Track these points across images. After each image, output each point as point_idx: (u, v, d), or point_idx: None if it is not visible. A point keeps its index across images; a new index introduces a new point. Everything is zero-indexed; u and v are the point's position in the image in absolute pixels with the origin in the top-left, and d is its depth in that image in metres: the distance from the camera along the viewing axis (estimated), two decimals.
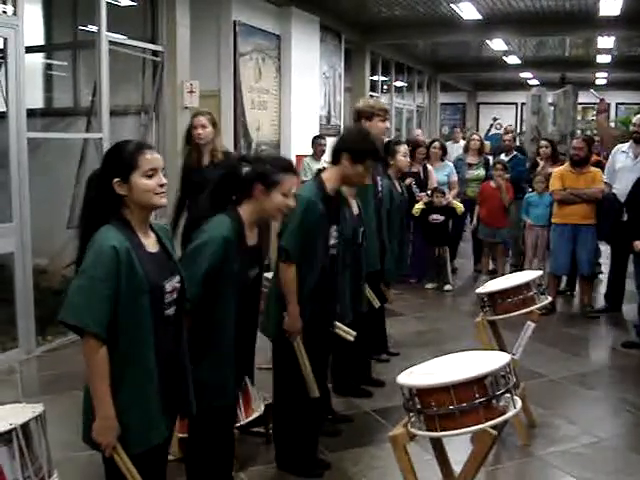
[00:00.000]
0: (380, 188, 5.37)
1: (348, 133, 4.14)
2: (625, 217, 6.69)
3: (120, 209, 2.66)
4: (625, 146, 7.55)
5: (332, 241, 3.91)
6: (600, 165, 7.99)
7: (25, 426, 2.86)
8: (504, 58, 17.16)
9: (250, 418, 4.04)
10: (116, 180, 2.62)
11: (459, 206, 8.68)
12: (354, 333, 4.23)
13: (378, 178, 5.33)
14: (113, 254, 2.52)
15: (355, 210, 4.56)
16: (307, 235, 3.71)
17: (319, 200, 3.79)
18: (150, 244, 2.71)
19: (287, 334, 3.75)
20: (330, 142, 10.07)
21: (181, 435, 3.77)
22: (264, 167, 3.30)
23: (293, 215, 3.61)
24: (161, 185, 2.66)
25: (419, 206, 8.51)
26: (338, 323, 4.14)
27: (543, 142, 9.20)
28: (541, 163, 8.86)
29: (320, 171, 4.09)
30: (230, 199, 3.30)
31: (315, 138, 9.77)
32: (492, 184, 8.80)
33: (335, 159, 4.00)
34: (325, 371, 4.37)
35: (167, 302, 2.70)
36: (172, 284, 2.72)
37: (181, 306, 2.79)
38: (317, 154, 9.61)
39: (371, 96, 14.31)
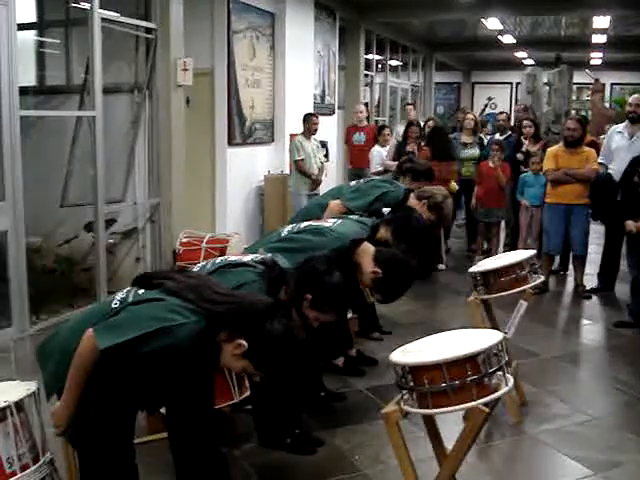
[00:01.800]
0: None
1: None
2: (619, 197, 6.70)
3: None
4: (621, 126, 7.55)
5: None
6: (595, 145, 7.98)
7: (19, 403, 2.86)
8: (499, 37, 17.09)
9: (243, 396, 4.05)
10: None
11: (453, 185, 8.67)
12: None
13: None
14: None
15: None
16: None
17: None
18: None
19: None
20: (323, 121, 10.09)
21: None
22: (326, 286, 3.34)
23: None
24: None
25: None
26: None
27: (526, 122, 9.20)
28: (525, 142, 8.89)
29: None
30: None
31: (307, 115, 9.40)
32: (490, 164, 8.80)
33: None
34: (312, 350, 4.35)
35: None
36: None
37: None
38: (309, 132, 9.27)
39: (366, 75, 14.29)
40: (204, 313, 2.59)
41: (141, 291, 2.74)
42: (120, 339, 2.53)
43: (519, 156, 8.77)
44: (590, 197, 7.17)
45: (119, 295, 2.77)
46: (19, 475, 2.77)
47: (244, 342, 2.58)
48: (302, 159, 8.96)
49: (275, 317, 2.64)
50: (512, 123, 11.69)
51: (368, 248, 4.02)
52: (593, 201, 7.17)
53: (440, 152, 8.63)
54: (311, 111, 10.06)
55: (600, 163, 7.40)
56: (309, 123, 9.24)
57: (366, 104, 14.60)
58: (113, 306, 2.71)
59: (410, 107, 12.81)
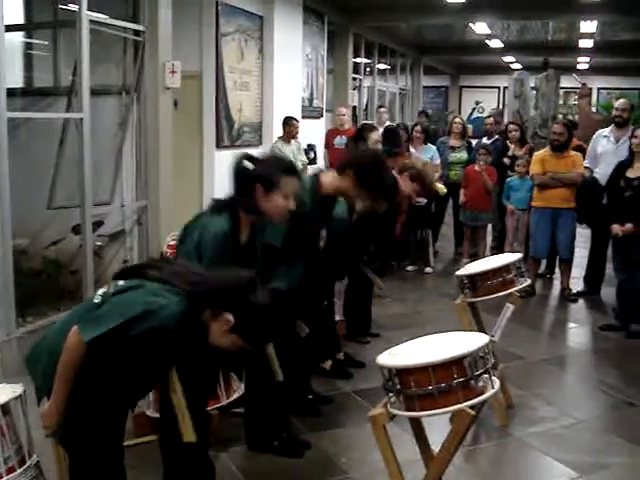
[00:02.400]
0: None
1: (365, 156, 4.12)
2: (605, 201, 6.73)
3: None
4: (606, 130, 7.60)
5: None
6: (581, 149, 8.02)
7: (5, 406, 2.86)
8: (487, 42, 17.16)
9: (231, 399, 4.05)
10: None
11: (441, 188, 8.69)
12: (307, 330, 4.18)
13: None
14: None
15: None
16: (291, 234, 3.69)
17: (310, 201, 3.77)
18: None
19: None
20: (311, 124, 10.11)
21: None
22: (265, 168, 3.28)
23: None
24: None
25: None
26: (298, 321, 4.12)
27: (512, 126, 9.25)
28: (511, 146, 8.93)
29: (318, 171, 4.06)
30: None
31: (287, 119, 9.35)
32: (476, 168, 8.83)
33: (341, 170, 3.97)
34: (301, 352, 4.36)
35: None
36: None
37: None
38: (288, 135, 9.26)
39: (354, 79, 14.30)
40: (186, 294, 2.59)
41: (121, 282, 2.73)
42: (104, 329, 2.52)
43: (505, 160, 8.81)
44: (576, 201, 7.21)
45: (100, 290, 2.76)
46: (5, 478, 2.77)
47: (230, 317, 2.59)
48: None
49: (257, 289, 2.66)
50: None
51: (332, 175, 4.02)
52: (579, 204, 7.20)
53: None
54: (299, 114, 10.05)
55: (586, 167, 7.44)
56: (289, 127, 9.25)
57: (354, 107, 14.62)
58: (95, 301, 2.70)
59: (383, 110, 12.30)
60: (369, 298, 6.09)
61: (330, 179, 3.96)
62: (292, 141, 9.27)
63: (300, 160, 9.29)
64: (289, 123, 9.28)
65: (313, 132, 10.93)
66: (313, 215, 3.79)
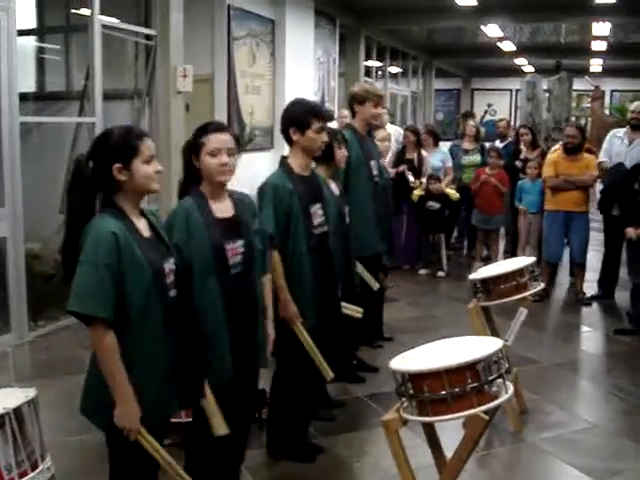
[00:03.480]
0: (376, 172, 5.26)
1: (284, 110, 3.96)
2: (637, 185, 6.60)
3: (112, 195, 2.67)
4: (621, 132, 7.53)
5: (318, 220, 3.85)
6: (592, 152, 7.97)
7: (18, 410, 2.87)
8: (499, 44, 17.12)
9: None
10: (117, 166, 2.62)
11: (453, 193, 8.68)
12: (361, 310, 4.32)
13: (372, 162, 5.23)
14: (113, 239, 2.54)
15: (335, 190, 4.44)
16: (283, 219, 3.70)
17: (287, 182, 3.75)
18: (143, 229, 2.73)
19: (284, 320, 3.72)
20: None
21: (175, 420, 3.77)
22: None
23: (264, 203, 3.68)
24: (157, 172, 2.73)
25: (418, 192, 8.52)
26: (344, 303, 4.18)
27: (523, 129, 9.21)
28: (523, 149, 8.89)
29: (284, 157, 3.96)
30: None
31: None
32: (487, 171, 8.80)
33: (288, 141, 3.90)
34: (334, 355, 4.32)
35: (168, 283, 2.72)
36: (169, 266, 2.74)
37: (181, 289, 2.81)
38: None
39: (366, 82, 14.29)
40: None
41: None
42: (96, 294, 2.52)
43: (517, 163, 8.78)
44: (606, 188, 7.04)
45: None
46: None
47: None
48: None
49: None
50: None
51: (291, 152, 3.95)
52: (606, 190, 7.01)
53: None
54: None
55: (601, 161, 7.39)
56: None
57: None
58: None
59: (383, 111, 12.03)
60: (380, 301, 6.06)
61: (292, 155, 3.90)
62: None
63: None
64: None
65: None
66: (301, 194, 3.78)
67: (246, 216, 3.20)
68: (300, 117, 3.79)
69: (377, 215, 5.16)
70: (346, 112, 10.90)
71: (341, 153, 4.47)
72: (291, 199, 3.73)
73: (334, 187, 4.47)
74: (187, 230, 3.03)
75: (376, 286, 5.12)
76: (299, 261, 3.74)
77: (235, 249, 3.09)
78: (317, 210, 3.87)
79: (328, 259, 3.90)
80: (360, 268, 4.90)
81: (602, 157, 7.46)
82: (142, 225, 2.73)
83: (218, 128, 3.14)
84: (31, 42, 8.49)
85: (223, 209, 3.13)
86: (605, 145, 7.68)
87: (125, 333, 2.56)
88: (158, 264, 2.67)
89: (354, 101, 5.21)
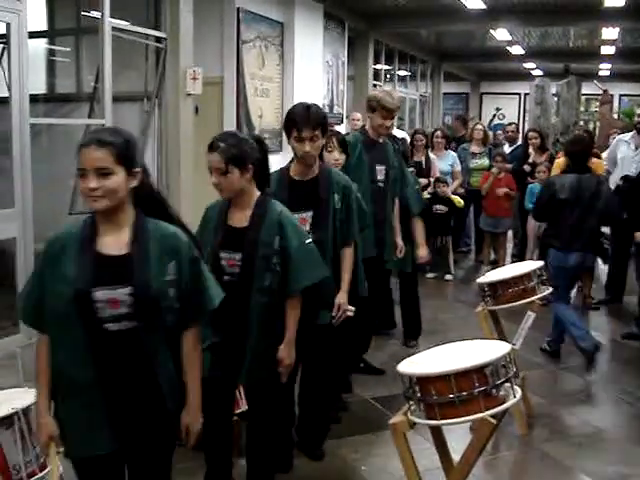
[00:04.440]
0: (381, 177, 5.20)
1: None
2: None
3: None
4: (627, 136, 7.53)
5: (305, 228, 3.70)
6: (597, 156, 7.94)
7: (27, 410, 2.88)
8: (508, 48, 17.10)
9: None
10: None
11: (457, 199, 8.66)
12: (352, 308, 4.22)
13: (378, 167, 5.17)
14: (46, 247, 2.48)
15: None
16: None
17: (274, 185, 3.71)
18: (112, 245, 2.42)
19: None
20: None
21: None
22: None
23: None
24: (90, 189, 2.35)
25: (425, 195, 8.51)
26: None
27: (532, 133, 9.21)
28: (532, 153, 8.89)
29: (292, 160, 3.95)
30: None
31: None
32: (493, 171, 8.83)
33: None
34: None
35: (106, 315, 2.35)
36: (111, 294, 2.35)
37: (152, 322, 2.41)
38: None
39: (374, 85, 14.29)
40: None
41: None
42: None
43: (526, 167, 8.77)
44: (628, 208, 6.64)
45: None
46: None
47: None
48: None
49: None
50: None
51: None
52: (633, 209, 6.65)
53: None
54: None
55: (606, 171, 7.39)
56: None
57: None
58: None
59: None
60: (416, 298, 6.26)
61: (293, 162, 3.94)
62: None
63: None
64: None
65: None
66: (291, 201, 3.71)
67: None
68: (284, 124, 3.88)
69: (375, 219, 5.03)
70: (359, 115, 10.92)
71: (330, 156, 4.45)
72: None
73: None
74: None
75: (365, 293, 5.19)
76: None
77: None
78: (303, 217, 3.78)
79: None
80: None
81: (605, 165, 7.46)
82: (115, 241, 2.42)
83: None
84: (42, 44, 8.53)
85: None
86: (610, 150, 7.67)
87: (53, 362, 2.44)
88: (85, 287, 2.34)
89: (367, 107, 5.17)
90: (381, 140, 5.23)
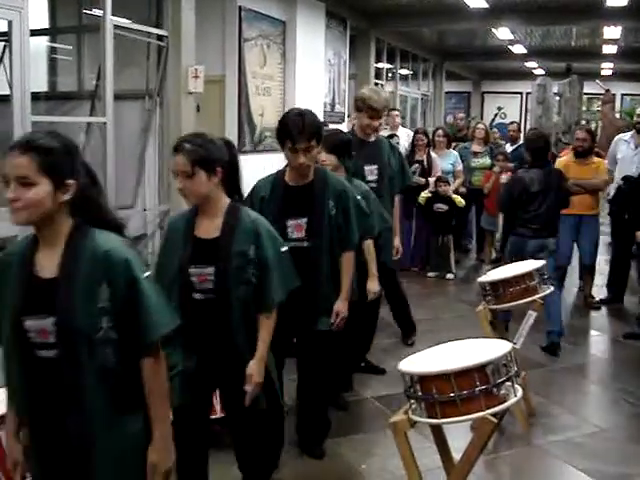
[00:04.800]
0: (372, 177, 5.17)
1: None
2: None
3: None
4: (627, 135, 7.54)
5: (295, 234, 3.68)
6: (599, 156, 7.95)
7: None
8: (510, 47, 17.09)
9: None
10: None
11: (458, 199, 8.67)
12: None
13: (367, 167, 5.15)
14: None
15: None
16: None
17: (267, 187, 3.72)
18: (46, 266, 2.21)
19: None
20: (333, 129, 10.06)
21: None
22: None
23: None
24: (9, 199, 2.13)
25: (425, 194, 8.51)
26: None
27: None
28: None
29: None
30: None
31: None
32: (495, 169, 8.83)
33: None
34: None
35: (36, 342, 2.18)
36: (39, 323, 2.17)
37: (78, 356, 2.18)
38: None
39: (376, 84, 14.28)
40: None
41: None
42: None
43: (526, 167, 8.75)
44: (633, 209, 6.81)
45: None
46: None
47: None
48: None
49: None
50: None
51: None
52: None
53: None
54: (321, 120, 9.99)
55: (608, 170, 7.40)
56: None
57: None
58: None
59: (395, 112, 10.74)
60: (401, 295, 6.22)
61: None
62: None
63: None
64: None
65: None
66: (278, 204, 3.74)
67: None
68: (277, 134, 3.75)
69: None
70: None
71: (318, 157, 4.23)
72: (260, 205, 3.67)
73: None
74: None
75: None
76: None
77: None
78: (298, 224, 3.70)
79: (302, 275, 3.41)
80: None
81: (606, 164, 7.46)
82: (49, 261, 2.21)
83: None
84: (43, 42, 8.52)
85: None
86: (610, 150, 7.68)
87: None
88: (17, 315, 2.17)
89: (354, 106, 5.22)
90: (373, 138, 5.19)
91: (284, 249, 3.12)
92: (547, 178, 6.05)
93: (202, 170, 2.93)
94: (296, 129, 3.59)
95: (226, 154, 3.08)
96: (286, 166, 3.83)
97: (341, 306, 3.82)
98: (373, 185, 5.10)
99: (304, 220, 3.70)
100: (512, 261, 5.51)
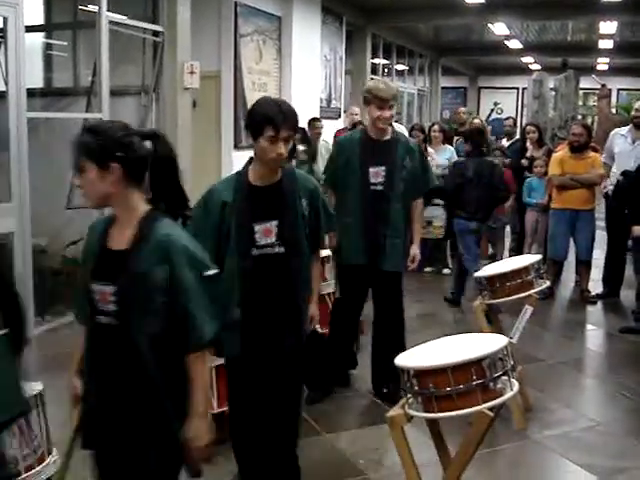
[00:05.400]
0: (377, 180, 4.76)
1: (250, 109, 3.39)
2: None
3: None
4: (624, 130, 7.54)
5: (264, 240, 3.26)
6: (595, 150, 7.95)
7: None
8: (506, 42, 17.10)
9: (223, 409, 3.97)
10: None
11: None
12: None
13: (373, 168, 4.76)
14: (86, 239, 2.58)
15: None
16: (202, 230, 3.16)
17: (228, 191, 3.30)
18: (117, 239, 2.44)
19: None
20: (329, 125, 10.07)
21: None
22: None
23: (194, 209, 3.07)
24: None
25: None
26: None
27: (530, 127, 9.20)
28: (529, 148, 8.89)
29: (250, 159, 3.40)
30: None
31: (311, 120, 9.09)
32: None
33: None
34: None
35: (99, 308, 2.39)
36: (101, 289, 2.37)
37: (133, 323, 2.35)
38: (313, 137, 8.90)
39: (372, 79, 14.28)
40: None
41: None
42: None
43: (523, 162, 8.77)
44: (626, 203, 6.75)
45: None
46: (24, 475, 2.78)
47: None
48: None
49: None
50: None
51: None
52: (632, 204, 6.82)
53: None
54: (317, 115, 10.00)
55: (604, 163, 7.41)
56: (311, 128, 8.97)
57: None
58: None
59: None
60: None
61: (253, 162, 3.37)
62: (322, 140, 9.12)
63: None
64: (310, 124, 9.00)
65: (331, 133, 10.93)
66: (245, 209, 3.31)
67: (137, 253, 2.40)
68: (250, 122, 3.27)
69: (365, 224, 4.77)
70: (357, 109, 10.87)
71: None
72: (222, 212, 3.27)
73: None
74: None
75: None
76: (228, 286, 3.10)
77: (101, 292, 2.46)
78: (267, 228, 3.26)
79: (275, 286, 3.28)
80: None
81: (603, 158, 7.47)
82: (121, 235, 2.42)
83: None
84: (39, 38, 8.52)
85: (117, 237, 2.46)
86: (607, 145, 7.69)
87: None
88: (88, 282, 2.43)
89: (362, 101, 4.92)
90: (388, 137, 4.83)
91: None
92: (479, 167, 6.86)
93: (92, 165, 2.38)
94: (280, 116, 3.20)
95: (137, 149, 2.46)
96: (247, 165, 3.38)
97: (314, 310, 3.55)
98: (378, 188, 4.76)
99: (274, 223, 3.27)
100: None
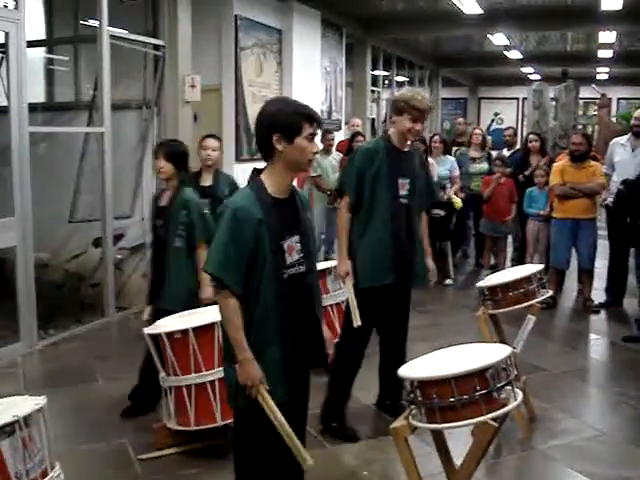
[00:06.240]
0: (404, 192, 4.51)
1: (263, 113, 3.04)
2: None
3: None
4: (624, 139, 7.55)
5: (294, 257, 2.97)
6: (596, 159, 7.96)
7: (28, 418, 2.87)
8: (505, 53, 17.14)
9: (227, 422, 3.94)
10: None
11: (457, 201, 8.67)
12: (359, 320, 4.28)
13: (401, 180, 4.50)
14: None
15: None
16: (239, 253, 2.84)
17: (255, 207, 2.88)
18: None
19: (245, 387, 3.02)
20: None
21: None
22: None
23: (219, 228, 2.89)
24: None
25: None
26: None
27: (532, 136, 9.21)
28: (533, 163, 8.89)
29: (257, 171, 3.05)
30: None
31: (323, 132, 8.89)
32: (495, 176, 8.84)
33: (268, 152, 2.99)
34: None
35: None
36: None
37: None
38: (325, 149, 8.84)
39: (372, 91, 14.32)
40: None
41: None
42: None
43: (520, 178, 8.73)
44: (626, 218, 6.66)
45: None
46: None
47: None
48: (319, 175, 8.82)
49: None
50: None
51: (267, 166, 3.06)
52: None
53: None
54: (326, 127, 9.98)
55: (605, 174, 7.42)
56: (324, 140, 8.85)
57: (373, 120, 14.61)
58: None
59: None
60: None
61: (268, 171, 3.02)
62: (333, 152, 9.08)
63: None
64: (322, 136, 8.80)
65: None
66: (271, 225, 2.92)
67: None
68: (289, 120, 2.93)
69: (395, 240, 4.48)
70: (358, 121, 10.89)
71: (157, 164, 4.54)
72: (258, 232, 2.86)
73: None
74: None
75: (357, 323, 4.36)
76: (264, 313, 2.89)
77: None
78: (293, 244, 2.98)
79: (304, 307, 3.02)
80: (351, 296, 4.43)
81: (604, 169, 7.48)
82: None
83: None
84: (40, 53, 8.55)
85: (163, 199, 4.86)
86: (607, 154, 7.70)
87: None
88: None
89: (393, 109, 4.62)
90: (407, 149, 4.57)
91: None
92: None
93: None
94: (314, 111, 3.03)
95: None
96: (255, 177, 3.02)
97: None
98: (404, 201, 4.52)
99: (295, 239, 2.99)
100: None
